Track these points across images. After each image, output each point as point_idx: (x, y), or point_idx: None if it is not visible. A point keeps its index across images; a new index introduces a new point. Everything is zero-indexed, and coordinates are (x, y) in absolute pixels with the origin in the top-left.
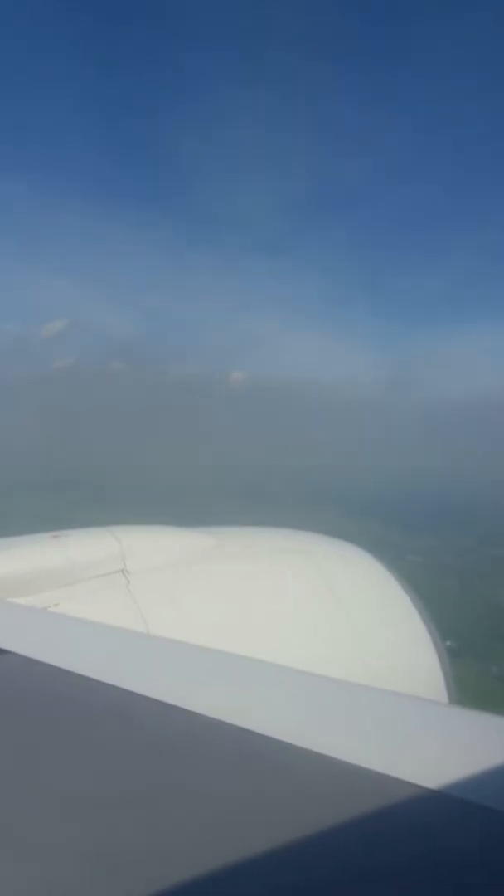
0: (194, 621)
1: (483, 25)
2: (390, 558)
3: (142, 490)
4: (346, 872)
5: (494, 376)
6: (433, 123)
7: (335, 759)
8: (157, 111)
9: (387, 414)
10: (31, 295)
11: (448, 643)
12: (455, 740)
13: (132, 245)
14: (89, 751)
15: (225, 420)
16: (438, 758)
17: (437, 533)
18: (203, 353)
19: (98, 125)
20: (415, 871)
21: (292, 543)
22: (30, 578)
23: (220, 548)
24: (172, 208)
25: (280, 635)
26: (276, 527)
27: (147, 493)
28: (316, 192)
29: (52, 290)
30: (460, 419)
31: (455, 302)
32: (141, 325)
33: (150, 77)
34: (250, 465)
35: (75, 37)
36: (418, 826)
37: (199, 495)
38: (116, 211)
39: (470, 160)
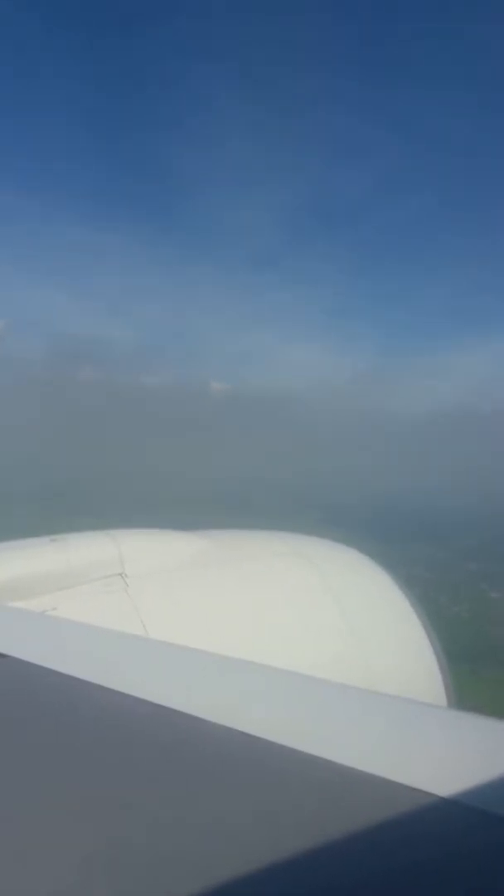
0: (193, 624)
1: (481, 38)
2: None
3: (121, 499)
4: (348, 878)
5: (477, 390)
6: (430, 138)
7: (335, 764)
8: (155, 124)
9: (367, 427)
10: (24, 306)
11: None
12: (455, 745)
13: (120, 256)
14: (89, 755)
15: (205, 429)
16: (439, 762)
17: (412, 546)
18: (187, 364)
19: (97, 138)
20: (416, 876)
21: (291, 546)
22: (28, 582)
23: (218, 551)
24: (163, 219)
25: (279, 638)
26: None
27: (127, 502)
28: (310, 205)
29: (42, 301)
30: (442, 433)
31: (442, 318)
32: (127, 336)
33: (150, 91)
34: (227, 475)
35: (75, 50)
36: (419, 830)
37: (178, 503)
38: (112, 222)
39: (466, 174)
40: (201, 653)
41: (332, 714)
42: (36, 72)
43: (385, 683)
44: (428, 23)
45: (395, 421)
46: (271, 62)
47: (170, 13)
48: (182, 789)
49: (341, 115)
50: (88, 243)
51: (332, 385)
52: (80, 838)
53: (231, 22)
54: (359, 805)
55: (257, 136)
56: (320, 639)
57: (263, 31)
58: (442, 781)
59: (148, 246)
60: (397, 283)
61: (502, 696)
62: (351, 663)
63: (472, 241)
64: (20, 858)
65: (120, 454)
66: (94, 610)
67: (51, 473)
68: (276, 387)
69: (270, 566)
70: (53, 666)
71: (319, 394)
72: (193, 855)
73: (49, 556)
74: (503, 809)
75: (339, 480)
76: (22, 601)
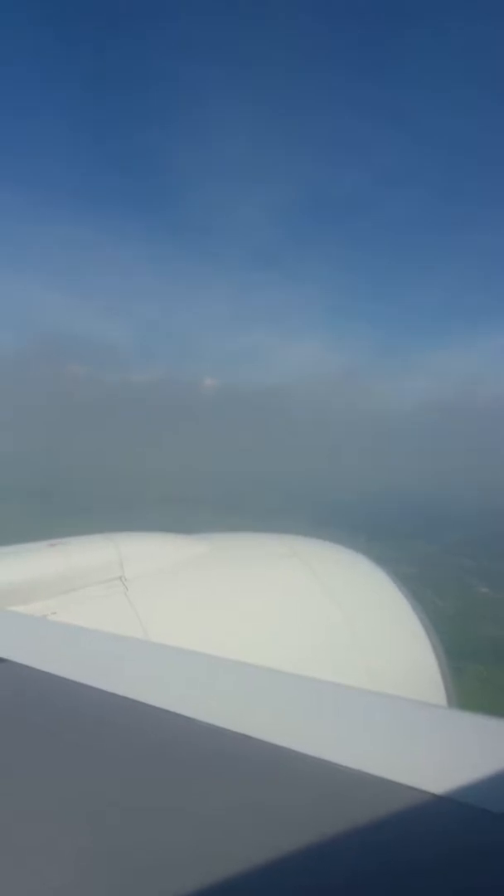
0: (193, 627)
1: (480, 37)
2: None
3: (115, 498)
4: (348, 878)
5: (468, 387)
6: (427, 136)
7: (336, 764)
8: (153, 123)
9: (359, 423)
10: (23, 305)
11: None
12: (455, 744)
13: (118, 254)
14: (89, 758)
15: (198, 427)
16: (440, 762)
17: (401, 541)
18: (181, 361)
19: (95, 136)
20: (416, 876)
21: (290, 548)
22: (28, 587)
23: (216, 553)
24: (160, 218)
25: (278, 640)
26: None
27: (121, 501)
28: (306, 204)
29: (39, 299)
30: (433, 429)
31: (434, 315)
32: (121, 334)
33: (147, 89)
34: (220, 472)
35: (72, 49)
36: (420, 830)
37: (172, 502)
38: (109, 221)
39: (464, 173)
40: (201, 655)
41: (331, 715)
42: (34, 70)
43: (385, 683)
44: (426, 20)
45: (388, 417)
46: (269, 59)
47: (166, 11)
48: (183, 792)
49: (338, 112)
50: (86, 242)
51: (324, 382)
52: (80, 842)
53: (227, 19)
54: (359, 805)
55: (256, 134)
56: (320, 640)
57: (260, 27)
58: (442, 781)
59: (145, 244)
60: (391, 281)
61: (487, 693)
62: (351, 664)
63: (469, 238)
64: (20, 863)
65: (115, 452)
66: (94, 613)
67: (45, 472)
68: (269, 384)
69: (269, 568)
70: (54, 670)
71: (312, 391)
72: (194, 857)
73: (49, 561)
74: (503, 808)
75: (331, 477)
76: (22, 605)
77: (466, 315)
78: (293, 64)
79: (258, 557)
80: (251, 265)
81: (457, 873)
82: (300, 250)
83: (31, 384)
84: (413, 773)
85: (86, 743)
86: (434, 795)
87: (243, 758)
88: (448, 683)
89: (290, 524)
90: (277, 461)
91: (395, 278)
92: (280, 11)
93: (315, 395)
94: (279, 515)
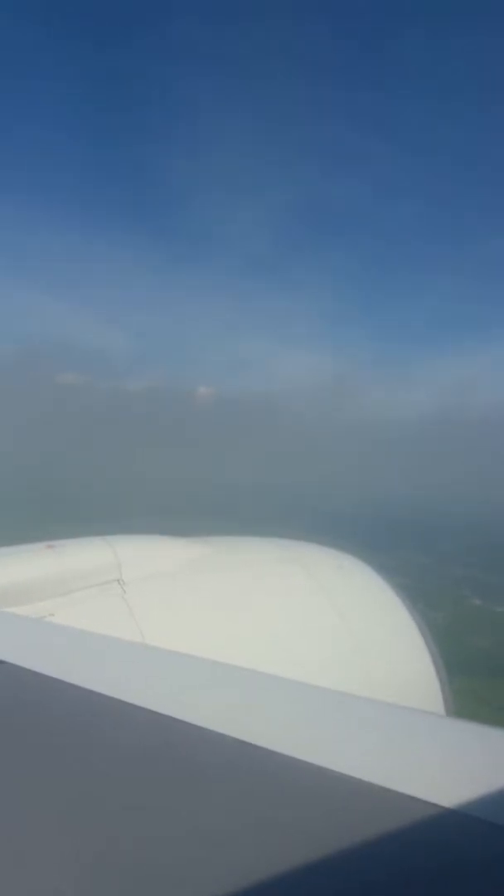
0: (191, 631)
1: (477, 49)
2: None
3: (112, 505)
4: (348, 888)
5: (465, 398)
6: (425, 145)
7: (334, 772)
8: (150, 131)
9: (355, 433)
10: (19, 312)
11: None
12: (454, 753)
13: (114, 261)
14: (86, 761)
15: (195, 435)
16: (438, 771)
17: (395, 552)
18: (179, 370)
19: (91, 145)
20: (417, 886)
21: (288, 552)
22: (25, 588)
23: (215, 557)
24: (157, 226)
25: (277, 645)
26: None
27: (118, 508)
28: (303, 213)
29: (37, 308)
30: (430, 440)
31: (429, 327)
32: (118, 342)
33: (145, 97)
34: (217, 480)
35: (73, 56)
36: (418, 839)
37: (168, 509)
38: (105, 228)
39: (460, 183)
40: (199, 660)
41: (331, 722)
42: (31, 78)
43: (384, 690)
44: (424, 31)
45: (385, 427)
46: (265, 69)
47: (164, 19)
48: (179, 798)
49: (336, 122)
50: (83, 249)
51: (320, 391)
52: (76, 847)
53: (224, 28)
54: (358, 815)
55: (254, 142)
56: (319, 646)
57: (258, 36)
58: (442, 790)
59: (142, 251)
60: (389, 290)
61: (481, 707)
62: (349, 670)
63: (469, 247)
64: (19, 865)
65: (111, 460)
66: (91, 616)
67: (40, 479)
68: (266, 393)
69: (269, 572)
70: (50, 672)
71: (308, 400)
72: (191, 865)
73: (46, 562)
74: (500, 818)
75: (326, 486)
76: (19, 607)
77: (466, 325)
78: (291, 73)
79: (258, 561)
80: (249, 273)
81: (457, 884)
82: (298, 259)
83: (26, 391)
84: (413, 782)
85: (82, 746)
86: (434, 805)
87: (241, 764)
88: (446, 692)
89: (284, 532)
90: (272, 470)
91: (394, 287)
92: (278, 20)
93: (311, 404)
94: (274, 524)
